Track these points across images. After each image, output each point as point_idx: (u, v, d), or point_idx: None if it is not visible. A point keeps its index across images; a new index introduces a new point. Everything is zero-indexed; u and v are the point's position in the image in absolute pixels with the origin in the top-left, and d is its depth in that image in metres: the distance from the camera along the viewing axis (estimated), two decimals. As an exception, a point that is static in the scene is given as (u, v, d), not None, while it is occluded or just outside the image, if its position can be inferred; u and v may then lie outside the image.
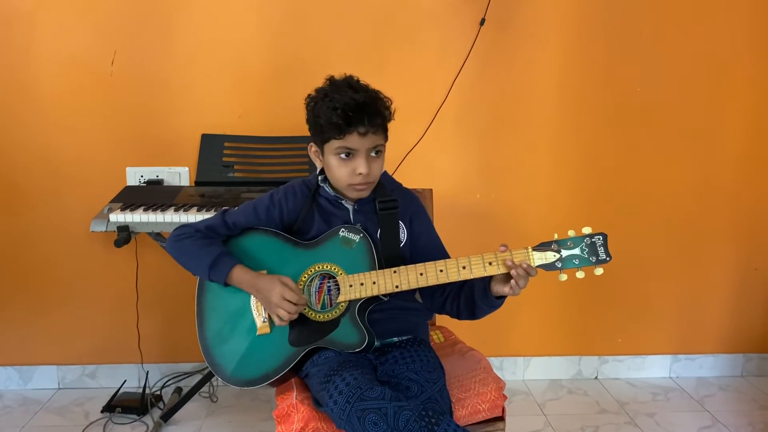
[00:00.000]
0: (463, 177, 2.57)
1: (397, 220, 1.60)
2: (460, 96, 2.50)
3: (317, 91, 1.53)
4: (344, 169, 1.50)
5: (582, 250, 1.42)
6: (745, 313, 2.78)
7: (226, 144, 2.37)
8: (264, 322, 1.54)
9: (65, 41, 2.38)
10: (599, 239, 1.43)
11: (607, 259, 1.42)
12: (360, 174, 1.49)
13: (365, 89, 1.50)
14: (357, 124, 1.45)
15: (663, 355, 2.79)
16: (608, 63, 2.53)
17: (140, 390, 2.50)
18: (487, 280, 1.47)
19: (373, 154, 1.51)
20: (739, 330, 2.80)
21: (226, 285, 1.56)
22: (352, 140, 1.47)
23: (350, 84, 1.50)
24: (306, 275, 1.55)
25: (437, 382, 1.47)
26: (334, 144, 1.49)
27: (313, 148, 1.58)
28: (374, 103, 1.48)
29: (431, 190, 2.06)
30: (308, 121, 1.54)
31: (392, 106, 1.54)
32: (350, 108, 1.44)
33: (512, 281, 1.41)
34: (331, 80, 1.54)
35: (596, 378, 2.78)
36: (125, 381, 2.59)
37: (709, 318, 2.78)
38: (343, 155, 1.49)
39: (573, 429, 2.37)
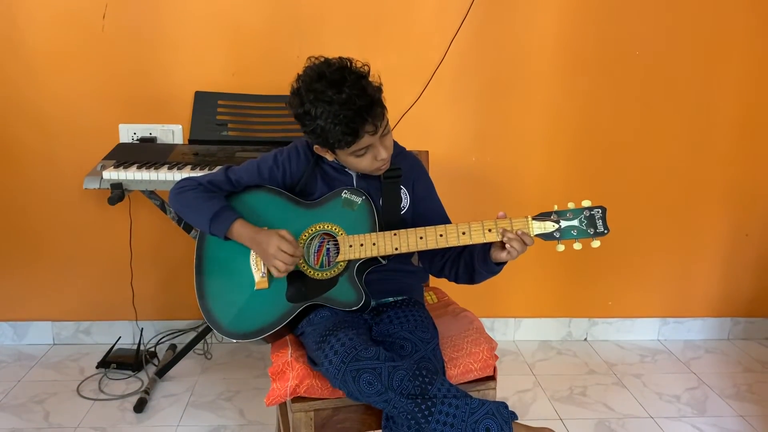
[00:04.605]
0: (459, 139, 2.56)
1: (399, 187, 1.60)
2: (457, 57, 2.47)
3: (298, 96, 1.43)
4: (365, 161, 1.49)
5: (581, 222, 1.43)
6: (734, 278, 2.81)
7: (219, 102, 2.34)
8: (262, 276, 1.55)
9: (55, -7, 2.33)
10: (598, 212, 1.44)
11: (605, 231, 1.43)
12: (382, 159, 1.49)
13: (348, 80, 1.39)
14: (364, 127, 1.41)
15: (652, 318, 2.83)
16: (607, 25, 2.49)
17: (135, 347, 2.52)
18: (487, 246, 1.48)
19: (384, 133, 1.48)
20: (727, 294, 2.83)
21: (226, 239, 1.56)
22: (365, 140, 1.44)
23: (330, 80, 1.39)
24: (306, 234, 1.56)
25: (430, 342, 1.49)
26: (347, 150, 1.46)
27: (319, 148, 1.53)
28: (368, 97, 1.41)
29: (427, 152, 2.05)
30: (308, 134, 1.47)
31: (377, 77, 1.46)
32: (352, 119, 1.39)
33: (508, 246, 1.42)
34: (305, 81, 1.43)
35: (585, 339, 2.83)
36: (120, 338, 2.61)
37: (698, 282, 2.81)
38: (360, 154, 1.48)
39: (562, 389, 2.42)
